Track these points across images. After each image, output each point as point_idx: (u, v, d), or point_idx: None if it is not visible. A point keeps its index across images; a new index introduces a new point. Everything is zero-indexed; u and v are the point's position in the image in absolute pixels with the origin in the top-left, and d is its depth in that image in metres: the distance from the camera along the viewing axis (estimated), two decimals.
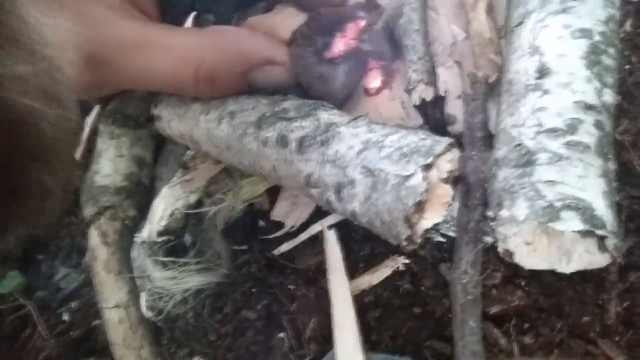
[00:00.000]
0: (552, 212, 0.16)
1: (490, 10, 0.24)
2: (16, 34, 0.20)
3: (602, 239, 0.15)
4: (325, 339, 0.21)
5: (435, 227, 0.21)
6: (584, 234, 0.15)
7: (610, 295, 0.18)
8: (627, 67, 0.22)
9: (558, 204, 0.16)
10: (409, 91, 0.25)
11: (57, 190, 0.13)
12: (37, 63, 0.20)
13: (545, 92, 0.18)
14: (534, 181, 0.16)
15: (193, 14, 0.30)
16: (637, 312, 0.18)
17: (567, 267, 0.17)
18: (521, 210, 0.16)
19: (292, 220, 0.27)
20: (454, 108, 0.25)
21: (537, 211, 0.16)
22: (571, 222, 0.15)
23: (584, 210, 0.15)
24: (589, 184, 0.16)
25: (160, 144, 0.32)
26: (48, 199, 0.13)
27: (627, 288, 0.18)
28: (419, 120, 0.26)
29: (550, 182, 0.16)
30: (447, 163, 0.19)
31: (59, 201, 0.13)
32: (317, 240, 0.24)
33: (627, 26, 0.22)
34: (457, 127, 0.25)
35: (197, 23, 0.29)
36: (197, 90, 0.23)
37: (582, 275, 0.19)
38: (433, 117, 0.25)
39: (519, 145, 0.17)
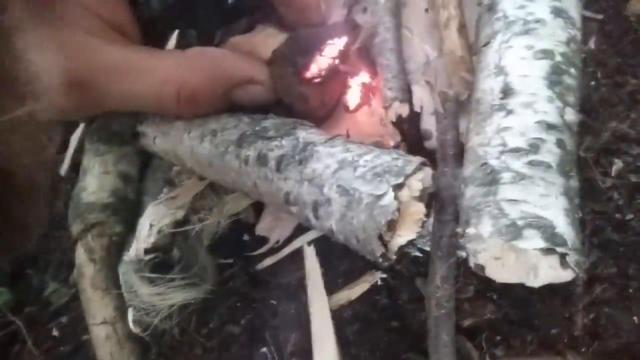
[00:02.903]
0: (514, 231, 0.16)
1: (462, 28, 0.25)
2: (8, 72, 0.20)
3: (563, 256, 0.16)
4: (306, 353, 0.22)
5: (412, 242, 0.21)
6: (546, 251, 0.16)
7: (577, 308, 0.19)
8: (592, 83, 0.22)
9: (520, 223, 0.16)
10: (385, 108, 0.25)
11: (32, 223, 0.14)
12: (23, 103, 0.21)
13: (509, 112, 0.19)
14: (498, 200, 0.17)
15: (176, 31, 0.30)
16: (603, 323, 0.19)
17: (534, 282, 0.18)
18: (486, 228, 0.17)
19: (276, 235, 0.27)
20: (429, 124, 0.25)
21: (501, 229, 0.17)
22: (533, 241, 0.16)
23: (545, 229, 0.16)
24: (550, 203, 0.17)
25: (146, 159, 0.33)
26: (24, 231, 0.14)
27: (593, 300, 0.19)
28: (396, 136, 0.26)
29: (514, 201, 0.17)
30: (419, 182, 0.20)
31: (33, 232, 0.14)
32: (299, 255, 0.24)
33: (591, 44, 0.23)
34: (433, 142, 0.25)
35: (180, 40, 0.30)
36: (179, 110, 0.24)
37: (550, 289, 0.19)
38: (410, 133, 0.26)
39: (484, 164, 0.18)
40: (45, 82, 0.22)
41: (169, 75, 0.22)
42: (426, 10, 0.26)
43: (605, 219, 0.20)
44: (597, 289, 0.19)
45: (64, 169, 0.33)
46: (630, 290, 0.19)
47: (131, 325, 0.26)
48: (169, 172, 0.30)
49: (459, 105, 0.23)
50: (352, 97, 0.27)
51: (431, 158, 0.24)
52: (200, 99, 0.23)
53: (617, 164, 0.20)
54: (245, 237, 0.28)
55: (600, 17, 0.26)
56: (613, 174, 0.20)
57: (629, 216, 0.20)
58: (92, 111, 0.25)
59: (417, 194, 0.20)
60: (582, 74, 0.20)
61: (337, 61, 0.26)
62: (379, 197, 0.19)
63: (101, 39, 0.22)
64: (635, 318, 0.19)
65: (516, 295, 0.20)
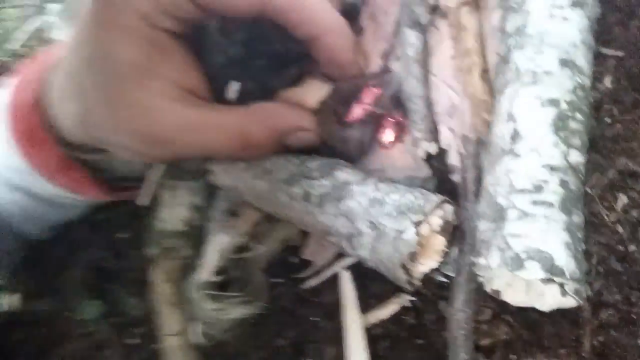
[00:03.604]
0: (518, 262, 0.19)
1: (484, 74, 0.28)
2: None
3: (561, 285, 0.18)
4: None
5: (437, 269, 0.24)
6: (545, 281, 0.18)
7: (584, 331, 0.21)
8: (608, 121, 0.24)
9: (523, 255, 0.19)
10: (414, 146, 0.28)
11: None
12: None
13: (517, 155, 0.21)
14: (505, 234, 0.20)
15: (238, 84, 0.35)
16: (610, 346, 0.20)
17: (543, 306, 0.20)
18: (494, 260, 0.20)
19: (319, 260, 0.31)
20: (455, 159, 0.28)
21: (506, 260, 0.19)
22: (534, 271, 0.18)
23: (545, 261, 0.19)
24: (551, 238, 0.19)
25: (211, 190, 0.38)
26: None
27: (600, 324, 0.20)
28: (426, 170, 0.29)
29: (517, 236, 0.19)
30: (439, 218, 0.23)
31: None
32: (338, 278, 0.28)
33: (607, 82, 0.25)
34: (458, 176, 0.28)
35: (240, 90, 0.34)
36: (242, 155, 0.29)
37: (560, 313, 0.21)
38: (438, 168, 0.29)
39: (494, 201, 0.21)
40: (127, 138, 0.28)
41: (236, 130, 0.27)
42: (452, 57, 0.29)
43: (609, 250, 0.21)
44: (603, 314, 0.21)
45: (141, 200, 0.38)
46: (634, 316, 0.20)
47: (198, 336, 0.30)
48: (231, 204, 0.35)
49: (481, 145, 0.26)
50: (387, 136, 0.31)
51: (456, 190, 0.27)
52: (261, 146, 0.28)
53: (622, 199, 0.22)
54: (293, 260, 0.32)
55: (620, 54, 0.28)
56: (618, 209, 0.22)
57: (632, 248, 0.21)
58: (169, 158, 0.31)
59: (437, 228, 0.23)
60: (589, 116, 0.22)
61: (373, 107, 0.30)
62: (402, 232, 0.22)
63: (178, 102, 0.27)
64: (639, 341, 0.20)
65: (529, 318, 0.22)
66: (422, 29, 0.29)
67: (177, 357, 0.29)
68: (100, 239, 0.47)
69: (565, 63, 0.22)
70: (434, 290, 0.25)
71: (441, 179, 0.29)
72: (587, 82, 0.23)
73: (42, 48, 0.45)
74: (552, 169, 0.20)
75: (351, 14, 0.31)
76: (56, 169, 0.34)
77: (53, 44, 0.45)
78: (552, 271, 0.18)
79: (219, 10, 0.26)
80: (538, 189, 0.20)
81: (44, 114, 0.32)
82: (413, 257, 0.21)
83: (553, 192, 0.20)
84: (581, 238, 0.20)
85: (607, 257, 0.21)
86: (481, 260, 0.20)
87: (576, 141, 0.21)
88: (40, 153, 0.34)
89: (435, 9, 0.29)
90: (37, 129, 0.33)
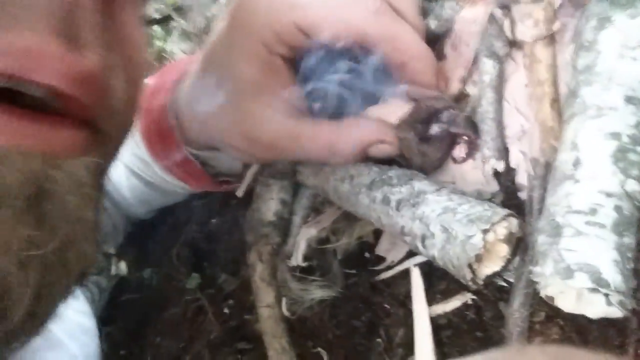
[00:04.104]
0: (568, 273, 0.22)
1: (554, 103, 0.30)
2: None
3: (606, 295, 0.22)
4: (409, 347, 0.29)
5: (499, 274, 0.28)
6: (591, 290, 0.22)
7: (629, 339, 0.24)
8: None
9: (574, 267, 0.22)
10: (484, 163, 0.32)
11: None
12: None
13: (577, 181, 0.24)
14: (560, 248, 0.23)
15: (331, 98, 0.40)
16: None
17: (591, 314, 0.23)
18: (549, 269, 0.23)
19: (391, 256, 0.35)
20: (523, 179, 0.31)
21: (559, 270, 0.23)
22: (582, 281, 0.22)
23: (592, 273, 0.22)
24: (600, 254, 0.22)
25: (297, 188, 0.44)
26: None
27: None
28: (495, 186, 0.33)
29: (571, 250, 0.23)
30: (504, 228, 0.26)
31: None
32: (408, 273, 0.32)
33: None
34: (525, 194, 0.31)
35: (332, 106, 0.39)
36: (330, 161, 0.34)
37: (608, 321, 0.24)
38: (505, 185, 0.32)
39: (552, 219, 0.24)
40: (239, 140, 0.34)
41: (326, 141, 0.32)
42: (525, 86, 0.32)
43: None
44: None
45: (239, 192, 0.45)
46: None
47: (284, 310, 0.36)
48: (314, 201, 0.40)
49: (548, 168, 0.29)
50: (460, 152, 0.34)
51: (523, 207, 0.30)
52: (346, 155, 0.33)
53: None
54: (367, 255, 0.36)
55: None
56: None
57: None
58: (268, 159, 0.37)
59: (502, 237, 0.27)
60: None
61: (449, 125, 0.34)
62: (470, 237, 0.26)
63: (282, 113, 0.33)
64: None
65: (579, 322, 0.25)
66: (499, 59, 0.32)
67: (269, 325, 0.35)
68: (196, 223, 0.55)
69: (630, 100, 0.25)
70: (494, 292, 0.29)
71: (508, 196, 0.32)
72: None
73: (162, 59, 0.53)
74: (608, 195, 0.23)
75: (435, 43, 0.35)
76: (175, 162, 0.42)
77: (177, 58, 0.53)
78: (599, 283, 0.22)
79: (321, 39, 0.31)
80: (593, 211, 0.23)
81: (172, 116, 0.39)
82: (479, 258, 0.25)
83: (606, 215, 0.23)
84: (631, 258, 0.23)
85: None
86: (538, 269, 0.24)
87: (635, 172, 0.24)
88: (164, 148, 0.41)
89: (512, 43, 0.32)
90: (164, 129, 0.40)
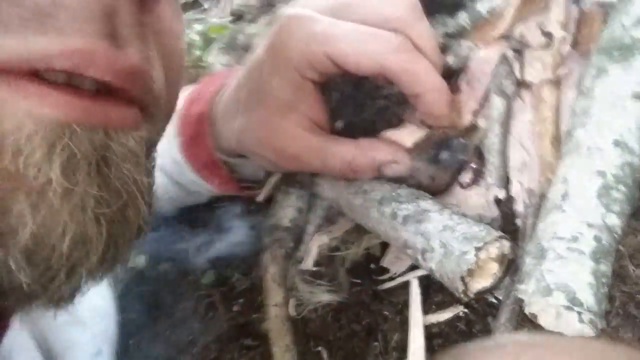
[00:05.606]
0: (548, 291, 0.25)
1: (555, 140, 0.33)
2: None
3: (579, 313, 0.24)
4: (403, 351, 0.32)
5: (490, 290, 0.31)
6: (566, 308, 0.24)
7: None
8: None
9: (553, 286, 0.25)
10: (487, 191, 0.35)
11: None
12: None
13: (563, 211, 0.27)
14: (542, 269, 0.26)
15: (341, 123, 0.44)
16: None
17: (567, 331, 0.26)
18: (531, 287, 0.26)
19: (395, 268, 0.38)
20: (521, 207, 0.34)
21: (540, 289, 0.25)
22: (558, 299, 0.24)
23: (568, 293, 0.24)
24: (577, 278, 0.25)
25: (313, 198, 0.47)
26: None
27: None
28: (495, 212, 0.36)
29: (551, 272, 0.25)
30: (496, 249, 0.29)
31: None
32: (408, 285, 0.35)
33: None
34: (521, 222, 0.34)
35: (352, 127, 0.43)
36: (346, 176, 0.37)
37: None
38: (504, 211, 0.35)
39: (539, 243, 0.27)
40: (266, 151, 0.38)
41: (345, 157, 0.36)
42: (530, 122, 0.35)
43: (630, 298, 0.26)
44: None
45: (260, 197, 0.48)
46: None
47: (291, 310, 0.39)
48: (329, 212, 0.44)
49: (542, 199, 0.32)
50: (465, 178, 0.38)
51: (518, 232, 0.33)
52: (361, 171, 0.36)
53: None
54: (373, 266, 0.39)
55: None
56: None
57: None
58: (290, 170, 0.40)
59: (494, 256, 0.29)
60: (634, 189, 0.27)
61: (458, 153, 0.37)
62: (465, 253, 0.29)
63: (306, 130, 0.37)
64: None
65: None
66: (507, 96, 0.36)
67: (275, 323, 0.38)
68: (216, 224, 0.58)
69: (618, 143, 0.28)
70: (485, 307, 0.31)
71: (506, 221, 0.35)
72: (637, 160, 0.28)
73: (200, 67, 0.58)
74: (589, 225, 0.26)
75: (452, 77, 0.39)
76: (206, 165, 0.46)
77: (216, 70, 0.58)
78: (573, 302, 0.24)
79: (348, 68, 0.34)
80: (574, 239, 0.26)
81: (208, 123, 0.43)
82: (471, 273, 0.28)
83: (586, 243, 0.26)
84: (605, 283, 0.25)
85: (627, 303, 0.26)
86: (522, 287, 0.27)
87: (616, 208, 0.27)
88: (197, 151, 0.45)
89: (521, 83, 0.36)
90: (200, 134, 0.44)
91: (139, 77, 0.19)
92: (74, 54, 0.16)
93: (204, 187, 0.50)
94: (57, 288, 0.17)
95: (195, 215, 0.60)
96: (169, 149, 0.48)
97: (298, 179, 0.44)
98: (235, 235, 0.55)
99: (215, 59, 0.55)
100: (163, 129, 0.24)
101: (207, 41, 0.75)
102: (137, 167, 0.19)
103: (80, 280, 0.18)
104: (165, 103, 0.22)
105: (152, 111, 0.21)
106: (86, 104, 0.17)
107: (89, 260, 0.17)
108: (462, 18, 0.39)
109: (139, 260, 0.58)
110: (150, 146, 0.22)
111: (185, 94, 0.48)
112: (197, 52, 0.77)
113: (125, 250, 0.20)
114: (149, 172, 0.21)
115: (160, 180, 0.52)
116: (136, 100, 0.19)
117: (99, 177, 0.17)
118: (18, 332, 0.30)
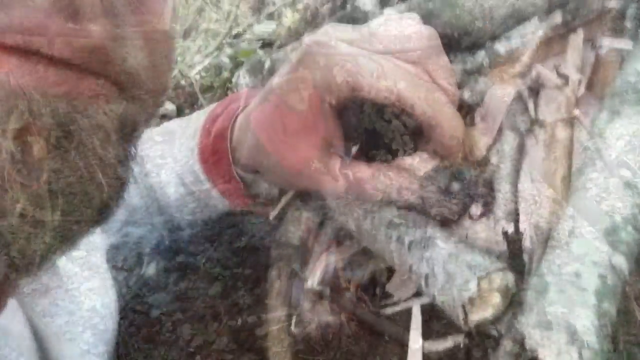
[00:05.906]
0: (548, 325, 0.25)
1: (564, 179, 0.34)
2: None
3: (579, 352, 0.24)
4: None
5: (491, 322, 0.31)
6: (567, 344, 0.24)
7: None
8: None
9: (554, 321, 0.25)
10: (496, 224, 0.35)
11: None
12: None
13: (569, 248, 0.27)
14: (544, 304, 0.26)
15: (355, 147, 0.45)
16: None
17: None
18: (532, 320, 0.26)
19: (399, 294, 0.38)
20: (528, 242, 0.34)
21: (541, 323, 0.25)
22: (559, 336, 0.24)
23: (569, 330, 0.24)
24: (580, 315, 0.25)
25: (324, 218, 0.47)
26: None
27: None
28: (503, 245, 0.36)
29: (553, 306, 0.25)
30: (499, 280, 0.30)
31: None
32: (411, 311, 0.35)
33: None
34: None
35: (366, 151, 0.44)
36: (358, 199, 0.38)
37: None
38: (512, 245, 0.35)
39: (542, 277, 0.27)
40: (281, 168, 0.39)
41: (359, 181, 0.37)
42: (542, 159, 0.36)
43: (635, 341, 0.26)
44: None
45: (272, 214, 0.49)
46: None
47: (292, 327, 0.39)
48: (337, 234, 0.44)
49: (549, 235, 0.32)
50: (475, 210, 0.38)
51: (524, 267, 0.33)
52: (375, 196, 0.37)
53: None
54: (377, 291, 0.40)
55: None
56: None
57: None
58: (302, 188, 0.41)
59: (496, 287, 0.30)
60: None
61: (469, 185, 0.37)
62: (467, 281, 0.29)
63: (320, 151, 0.38)
64: None
65: None
66: (521, 133, 0.36)
67: (276, 338, 0.38)
68: (227, 238, 0.59)
69: (629, 185, 0.28)
70: (485, 339, 0.31)
71: (513, 255, 0.35)
72: None
73: (227, 88, 0.61)
74: (594, 264, 0.26)
75: (468, 111, 0.39)
76: (222, 179, 0.47)
77: (238, 88, 0.60)
78: (574, 338, 0.24)
79: (366, 96, 0.36)
80: (578, 276, 0.26)
81: (228, 140, 0.45)
82: (472, 302, 0.28)
83: (589, 281, 0.26)
84: (608, 322, 0.25)
85: (631, 346, 0.26)
86: (523, 319, 0.27)
87: (623, 248, 0.27)
88: (216, 166, 0.47)
89: (534, 121, 0.36)
90: (220, 150, 0.46)
91: (103, 55, 0.17)
92: (24, 28, 0.15)
93: (218, 201, 0.51)
94: (10, 261, 0.17)
95: (210, 228, 0.61)
96: (190, 162, 0.50)
97: (310, 198, 0.45)
98: (244, 250, 0.56)
99: (242, 80, 0.58)
100: (148, 108, 0.22)
101: (237, 64, 0.78)
102: (104, 142, 0.18)
103: (35, 254, 0.17)
104: (149, 82, 0.20)
105: (128, 87, 0.19)
106: (49, 73, 0.16)
107: (41, 233, 0.16)
108: (481, 56, 0.40)
109: (150, 268, 0.60)
110: (129, 124, 0.20)
111: (209, 110, 0.50)
112: (226, 74, 0.80)
113: (85, 226, 0.19)
114: (122, 152, 0.20)
115: (177, 190, 0.54)
116: (106, 74, 0.18)
117: (57, 150, 0.17)
118: (13, 314, 0.31)
